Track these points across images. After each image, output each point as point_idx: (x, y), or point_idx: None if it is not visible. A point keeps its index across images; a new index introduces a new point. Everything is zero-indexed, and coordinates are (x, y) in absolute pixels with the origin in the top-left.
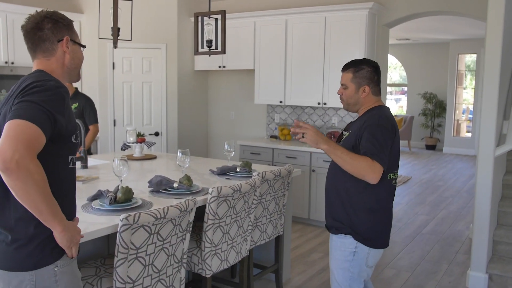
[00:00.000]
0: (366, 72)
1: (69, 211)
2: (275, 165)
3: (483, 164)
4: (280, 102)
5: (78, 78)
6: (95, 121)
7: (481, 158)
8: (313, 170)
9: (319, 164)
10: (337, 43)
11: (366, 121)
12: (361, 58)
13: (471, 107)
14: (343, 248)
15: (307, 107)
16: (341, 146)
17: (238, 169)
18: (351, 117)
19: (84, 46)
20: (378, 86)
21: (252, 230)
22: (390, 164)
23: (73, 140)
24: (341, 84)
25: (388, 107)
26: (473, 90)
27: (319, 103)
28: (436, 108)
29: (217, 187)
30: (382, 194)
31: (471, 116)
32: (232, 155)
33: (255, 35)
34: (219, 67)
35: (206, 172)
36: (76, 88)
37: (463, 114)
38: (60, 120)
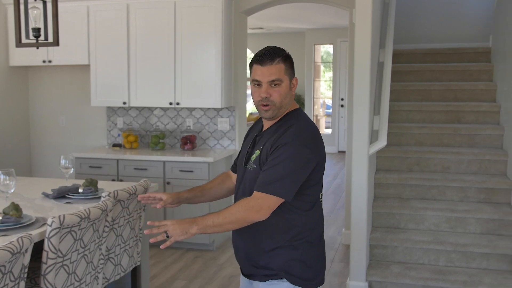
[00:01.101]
0: (291, 59)
1: None
2: (121, 180)
3: (357, 164)
4: (124, 103)
5: None
6: None
7: (355, 158)
8: (168, 183)
9: (174, 175)
10: (189, 33)
11: (282, 137)
12: (272, 45)
13: (327, 101)
14: None
15: (156, 108)
16: (208, 215)
17: (80, 190)
18: (208, 117)
19: None
20: None
21: (104, 264)
22: (319, 184)
23: None
24: (271, 81)
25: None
26: (326, 82)
27: (171, 103)
28: None
29: (59, 216)
30: (317, 221)
31: (329, 110)
32: (71, 172)
33: (89, 23)
34: (44, 62)
35: (38, 196)
36: None
37: (320, 108)
38: None
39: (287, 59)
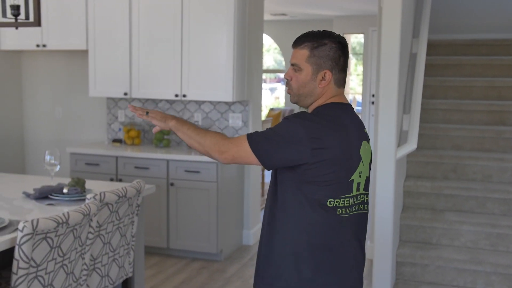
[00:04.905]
0: (330, 49)
1: None
2: (121, 180)
3: (383, 169)
4: (125, 94)
5: None
6: None
7: (381, 162)
8: (172, 184)
9: (179, 175)
10: (198, 17)
11: None
12: (322, 30)
13: (358, 97)
14: None
15: (162, 100)
16: (188, 123)
17: (65, 190)
18: (218, 112)
19: None
20: (343, 72)
21: (88, 276)
22: (326, 185)
23: None
24: (292, 64)
25: (349, 105)
26: (358, 77)
27: (177, 95)
28: None
29: (32, 220)
30: (318, 228)
31: (359, 108)
32: (57, 169)
33: (87, 3)
34: (38, 46)
35: (19, 196)
36: None
37: None
38: None
39: (320, 47)
